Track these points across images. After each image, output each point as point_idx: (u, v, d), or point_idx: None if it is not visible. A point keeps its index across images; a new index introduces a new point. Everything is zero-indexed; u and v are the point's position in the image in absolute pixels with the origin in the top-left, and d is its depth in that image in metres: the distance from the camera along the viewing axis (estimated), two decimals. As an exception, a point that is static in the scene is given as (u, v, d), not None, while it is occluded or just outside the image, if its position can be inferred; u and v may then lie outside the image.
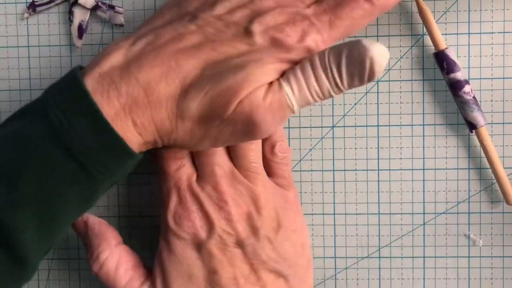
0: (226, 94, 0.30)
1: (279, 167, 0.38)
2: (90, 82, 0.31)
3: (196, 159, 0.36)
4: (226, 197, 0.35)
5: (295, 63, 0.31)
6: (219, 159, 0.36)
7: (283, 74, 0.31)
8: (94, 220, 0.37)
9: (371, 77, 0.30)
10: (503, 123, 0.39)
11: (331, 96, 0.31)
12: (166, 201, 0.36)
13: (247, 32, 0.31)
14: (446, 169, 0.40)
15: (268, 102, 0.31)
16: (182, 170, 0.36)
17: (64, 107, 0.30)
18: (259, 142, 0.37)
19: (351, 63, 0.30)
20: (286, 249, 0.36)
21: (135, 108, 0.31)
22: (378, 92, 0.40)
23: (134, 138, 0.31)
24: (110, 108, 0.31)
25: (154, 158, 0.37)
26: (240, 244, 0.35)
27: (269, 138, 0.38)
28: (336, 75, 0.30)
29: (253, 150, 0.36)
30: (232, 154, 0.36)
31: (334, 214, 0.41)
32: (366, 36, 0.39)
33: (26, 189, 0.30)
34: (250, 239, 0.35)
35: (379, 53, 0.29)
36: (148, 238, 0.42)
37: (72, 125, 0.30)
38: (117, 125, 0.31)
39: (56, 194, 0.31)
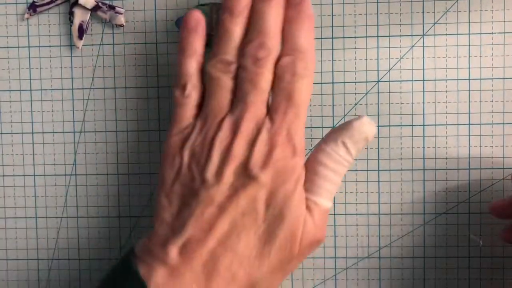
0: (286, 246, 0.33)
1: None
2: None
3: None
4: None
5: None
6: None
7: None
8: None
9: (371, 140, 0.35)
10: (503, 123, 0.39)
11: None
12: None
13: (253, 179, 0.33)
14: (446, 169, 0.40)
15: (318, 223, 0.34)
16: None
17: None
18: None
19: (355, 144, 0.34)
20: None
21: None
22: (378, 93, 0.40)
23: None
24: None
25: None
26: None
27: None
28: (348, 158, 0.34)
29: None
30: None
31: (334, 214, 0.41)
32: (366, 37, 0.39)
33: None
34: None
35: (372, 127, 0.34)
36: (149, 238, 0.42)
37: None
38: None
39: None
